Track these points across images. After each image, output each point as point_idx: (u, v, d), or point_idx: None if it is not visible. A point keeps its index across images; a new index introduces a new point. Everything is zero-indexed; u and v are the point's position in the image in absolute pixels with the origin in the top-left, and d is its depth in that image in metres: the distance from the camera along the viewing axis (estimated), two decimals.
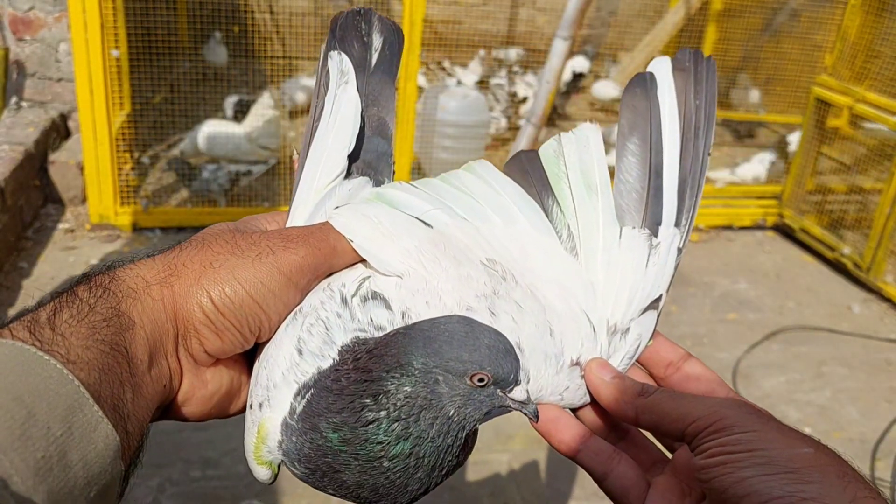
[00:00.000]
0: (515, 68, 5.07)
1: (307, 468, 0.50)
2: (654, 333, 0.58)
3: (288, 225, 0.58)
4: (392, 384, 0.47)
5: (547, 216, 0.58)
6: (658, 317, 0.57)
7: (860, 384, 2.92)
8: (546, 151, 0.61)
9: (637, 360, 0.58)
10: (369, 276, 0.54)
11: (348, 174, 0.60)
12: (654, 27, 4.75)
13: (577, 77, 4.96)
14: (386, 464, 0.47)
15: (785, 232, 4.12)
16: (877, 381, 2.96)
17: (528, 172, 0.60)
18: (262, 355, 0.53)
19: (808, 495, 0.41)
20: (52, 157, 3.58)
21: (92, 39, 3.08)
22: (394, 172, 0.63)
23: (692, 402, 0.50)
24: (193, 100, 3.99)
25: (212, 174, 3.54)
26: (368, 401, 0.47)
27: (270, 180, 3.87)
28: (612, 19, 5.54)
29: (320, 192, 0.59)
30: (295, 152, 0.64)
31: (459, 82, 4.73)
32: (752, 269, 3.76)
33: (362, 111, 0.61)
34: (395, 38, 0.64)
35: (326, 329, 0.51)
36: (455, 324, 0.48)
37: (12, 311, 2.73)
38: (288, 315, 0.53)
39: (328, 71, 0.62)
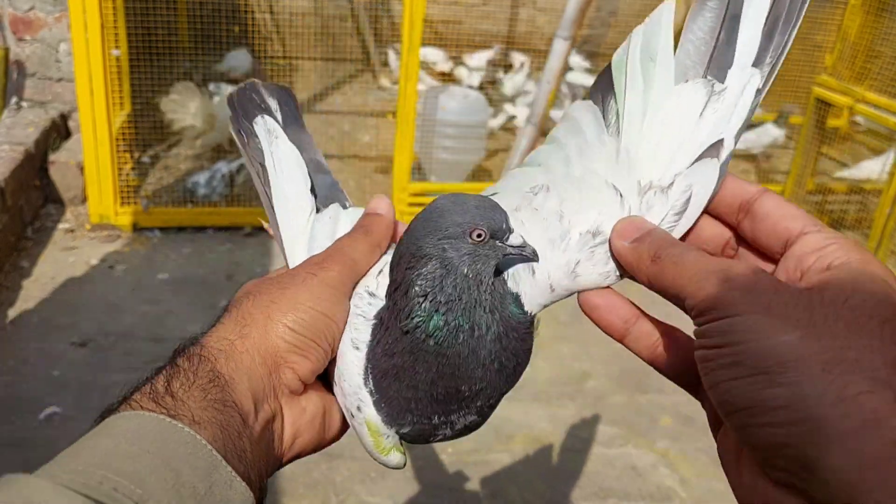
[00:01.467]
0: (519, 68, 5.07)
1: (405, 412, 0.56)
2: (721, 181, 0.52)
3: (292, 265, 0.63)
4: (414, 273, 0.53)
5: (603, 114, 0.58)
6: (723, 164, 0.52)
7: None
8: (616, 55, 0.60)
9: (708, 212, 0.53)
10: (383, 268, 0.60)
11: (317, 210, 0.67)
12: None
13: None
14: (431, 343, 0.52)
15: None
16: None
17: (598, 83, 0.60)
18: (335, 373, 0.58)
19: (777, 403, 0.34)
20: (52, 157, 3.58)
21: (92, 39, 3.08)
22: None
23: (690, 270, 0.44)
24: None
25: (207, 183, 3.54)
26: (403, 301, 0.53)
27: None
28: (612, 19, 5.54)
29: (304, 231, 0.65)
30: (263, 222, 0.71)
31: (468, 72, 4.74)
32: None
33: (300, 156, 0.69)
34: (286, 95, 0.72)
35: (365, 319, 0.57)
36: (442, 200, 0.54)
37: (12, 311, 2.74)
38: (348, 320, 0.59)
39: (255, 137, 0.68)
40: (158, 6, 3.68)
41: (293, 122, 0.71)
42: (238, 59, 4.68)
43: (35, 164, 3.46)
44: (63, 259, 3.17)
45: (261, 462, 0.51)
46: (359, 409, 0.57)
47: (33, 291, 2.91)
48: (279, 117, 0.70)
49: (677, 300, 0.45)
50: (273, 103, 0.71)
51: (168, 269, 3.18)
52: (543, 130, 3.39)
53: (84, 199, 3.52)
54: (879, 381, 0.32)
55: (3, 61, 3.69)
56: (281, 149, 0.68)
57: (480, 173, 4.04)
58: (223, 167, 3.60)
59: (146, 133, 4.00)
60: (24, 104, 3.80)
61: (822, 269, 0.40)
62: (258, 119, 0.69)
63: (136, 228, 3.44)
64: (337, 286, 0.57)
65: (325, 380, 0.60)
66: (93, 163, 3.29)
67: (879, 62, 3.62)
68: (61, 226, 3.42)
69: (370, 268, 0.61)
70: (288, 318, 0.54)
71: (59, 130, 3.78)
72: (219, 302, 2.97)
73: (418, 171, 3.87)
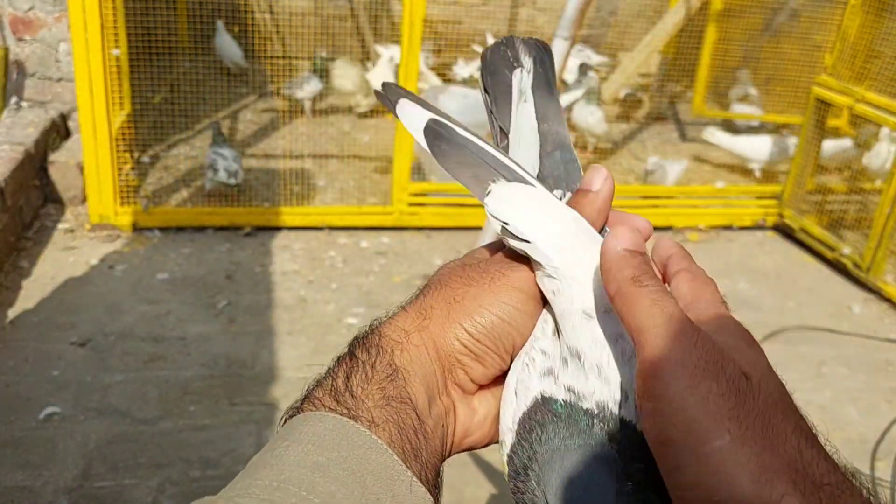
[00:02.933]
0: None
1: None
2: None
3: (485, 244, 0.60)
4: None
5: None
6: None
7: (860, 384, 2.92)
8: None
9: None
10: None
11: None
12: (654, 27, 4.75)
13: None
14: None
15: (785, 232, 4.12)
16: (877, 381, 2.96)
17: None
18: (505, 386, 0.53)
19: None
20: (52, 157, 3.58)
21: (92, 39, 3.08)
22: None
23: (658, 316, 0.41)
24: (193, 100, 3.99)
25: (227, 168, 3.53)
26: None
27: (271, 180, 3.87)
28: (612, 19, 5.54)
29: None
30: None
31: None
32: (752, 269, 3.76)
33: (537, 128, 0.61)
34: (543, 55, 0.64)
35: (530, 372, 0.51)
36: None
37: (12, 312, 2.74)
38: (536, 325, 0.54)
39: (509, 90, 0.62)
40: (158, 6, 3.68)
41: (544, 86, 0.63)
42: (225, 47, 4.69)
43: (35, 164, 3.46)
44: (63, 259, 3.17)
45: (435, 458, 0.50)
46: (501, 445, 0.52)
47: (33, 291, 2.91)
48: (531, 79, 0.62)
49: (627, 329, 0.44)
50: (527, 63, 0.63)
51: (168, 269, 3.18)
52: None
53: (84, 199, 3.52)
54: (790, 482, 0.36)
55: (3, 61, 3.69)
56: (523, 116, 0.61)
57: None
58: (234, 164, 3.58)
59: (146, 133, 4.00)
60: (24, 104, 3.80)
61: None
62: (516, 73, 0.62)
63: (136, 228, 3.44)
64: (525, 287, 0.52)
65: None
66: (93, 163, 3.29)
67: (879, 62, 3.62)
68: (61, 226, 3.42)
69: None
70: (467, 322, 0.52)
71: (59, 130, 3.78)
72: (218, 302, 2.98)
73: (418, 172, 3.87)
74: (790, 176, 4.09)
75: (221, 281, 3.14)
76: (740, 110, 5.05)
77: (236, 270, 3.23)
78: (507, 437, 0.50)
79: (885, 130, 3.96)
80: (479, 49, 5.02)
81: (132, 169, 3.63)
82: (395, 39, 4.97)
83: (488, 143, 0.56)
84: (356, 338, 0.53)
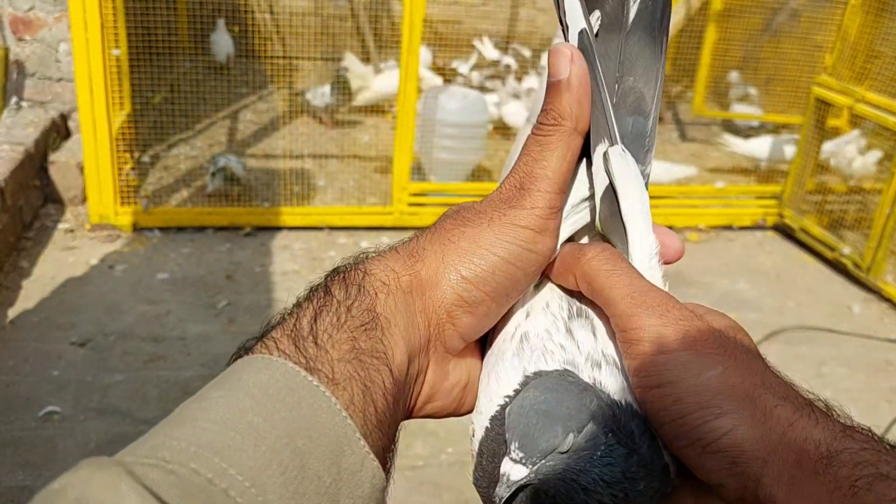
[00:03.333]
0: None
1: None
2: None
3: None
4: None
5: None
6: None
7: (860, 384, 2.92)
8: None
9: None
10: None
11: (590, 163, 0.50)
12: None
13: None
14: None
15: (785, 232, 4.12)
16: (877, 381, 2.96)
17: None
18: (486, 359, 0.49)
19: (721, 432, 0.38)
20: (52, 157, 3.58)
21: (92, 39, 3.08)
22: (651, 160, 0.51)
23: (624, 285, 0.44)
24: (193, 100, 4.00)
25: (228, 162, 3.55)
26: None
27: (271, 180, 3.87)
28: None
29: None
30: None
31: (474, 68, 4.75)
32: (752, 269, 3.76)
33: (616, 80, 0.49)
34: None
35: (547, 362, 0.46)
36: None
37: (12, 312, 2.74)
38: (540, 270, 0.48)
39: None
40: (158, 6, 3.68)
41: (646, 27, 0.49)
42: (220, 45, 4.69)
43: (35, 164, 3.46)
44: (63, 259, 3.17)
45: (393, 426, 0.43)
46: (473, 435, 0.48)
47: (33, 291, 2.91)
48: (633, 11, 0.49)
49: (604, 307, 0.45)
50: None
51: (168, 269, 3.18)
52: None
53: (84, 199, 3.52)
54: (781, 397, 0.40)
55: (3, 61, 3.69)
56: (607, 55, 0.50)
57: (480, 173, 4.04)
58: (222, 161, 3.60)
59: (146, 133, 4.00)
60: (24, 104, 3.80)
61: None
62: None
63: (136, 228, 3.44)
64: (534, 225, 0.46)
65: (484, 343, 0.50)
66: (93, 163, 3.29)
67: (879, 62, 3.62)
68: (61, 226, 3.42)
69: (572, 165, 0.47)
70: (463, 265, 0.45)
71: (59, 130, 3.78)
72: (218, 302, 2.98)
73: (418, 172, 3.87)
74: (790, 176, 4.09)
75: (221, 281, 3.14)
76: (740, 110, 5.06)
77: (236, 270, 3.23)
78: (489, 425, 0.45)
79: (854, 133, 3.98)
80: (479, 45, 5.02)
81: (132, 169, 3.63)
82: (395, 39, 4.97)
83: (608, 89, 0.48)
84: (336, 269, 0.46)
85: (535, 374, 0.45)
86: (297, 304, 0.44)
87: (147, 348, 2.66)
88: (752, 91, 5.13)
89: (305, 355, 0.39)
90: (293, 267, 3.31)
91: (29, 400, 2.36)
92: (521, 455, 0.40)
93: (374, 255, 0.47)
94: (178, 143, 4.14)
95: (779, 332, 3.19)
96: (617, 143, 0.48)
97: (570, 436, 0.40)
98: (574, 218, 0.50)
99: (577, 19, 0.48)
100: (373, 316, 0.42)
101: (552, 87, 0.47)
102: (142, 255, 3.28)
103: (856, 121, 4.08)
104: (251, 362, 0.39)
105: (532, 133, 0.48)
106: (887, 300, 3.51)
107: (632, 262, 0.47)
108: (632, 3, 0.49)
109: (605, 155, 0.47)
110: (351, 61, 4.50)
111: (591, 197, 0.50)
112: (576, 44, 0.48)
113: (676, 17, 4.57)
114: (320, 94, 4.33)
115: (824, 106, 3.84)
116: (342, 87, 4.29)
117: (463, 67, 4.93)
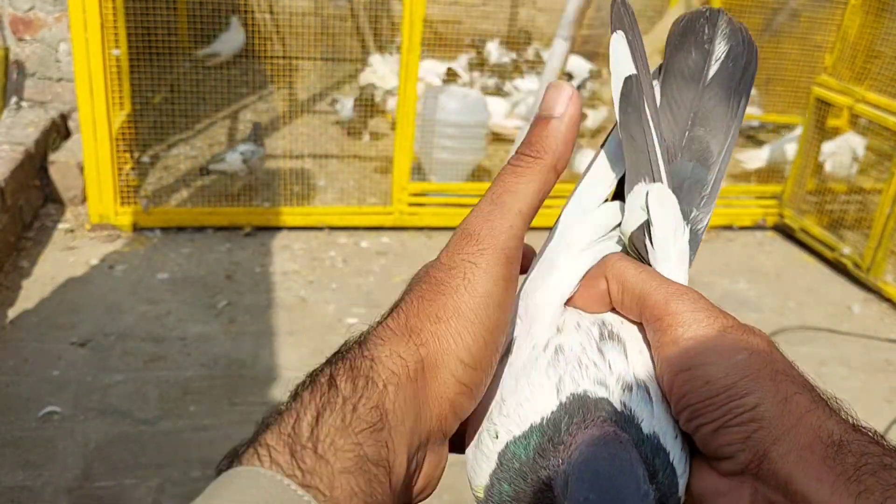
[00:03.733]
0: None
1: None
2: None
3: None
4: None
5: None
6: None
7: (860, 384, 2.92)
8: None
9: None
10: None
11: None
12: (654, 27, 4.75)
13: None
14: None
15: (785, 232, 4.12)
16: (877, 381, 2.96)
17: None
18: (508, 375, 0.47)
19: (745, 409, 0.41)
20: (52, 157, 3.58)
21: (92, 39, 3.08)
22: (710, 211, 0.52)
23: (656, 280, 0.46)
24: (193, 100, 4.00)
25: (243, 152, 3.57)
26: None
27: (271, 180, 3.88)
28: None
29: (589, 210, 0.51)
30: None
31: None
32: (752, 269, 3.76)
33: (686, 128, 0.51)
34: (743, 50, 0.52)
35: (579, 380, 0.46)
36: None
37: (12, 312, 2.74)
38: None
39: (685, 70, 0.52)
40: (158, 6, 3.67)
41: (724, 85, 0.51)
42: (230, 43, 4.69)
43: (35, 164, 3.46)
44: (63, 259, 3.17)
45: None
46: (496, 436, 0.46)
47: (33, 291, 2.91)
48: (713, 69, 0.52)
49: (638, 298, 0.46)
50: (719, 49, 0.52)
51: (168, 269, 3.18)
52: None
53: (84, 199, 3.52)
54: (801, 385, 0.43)
55: (3, 61, 3.69)
56: (680, 104, 0.52)
57: (480, 173, 4.05)
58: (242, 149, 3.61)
59: (146, 133, 4.00)
60: (24, 104, 3.80)
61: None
62: (697, 52, 0.52)
63: (136, 228, 3.44)
64: (503, 275, 0.43)
65: None
66: (93, 163, 3.29)
67: (879, 62, 3.62)
68: (61, 226, 3.42)
69: (542, 204, 0.46)
70: (460, 349, 0.42)
71: (59, 130, 3.78)
72: (218, 302, 2.98)
73: (418, 172, 3.87)
74: (790, 176, 4.09)
75: (221, 281, 3.14)
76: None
77: (236, 270, 3.23)
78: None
79: (848, 136, 3.99)
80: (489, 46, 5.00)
81: (132, 169, 3.63)
82: (394, 42, 4.97)
83: (658, 133, 0.49)
84: (339, 353, 0.42)
85: (572, 395, 0.45)
86: (297, 395, 0.39)
87: (147, 348, 2.66)
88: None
89: (302, 467, 0.35)
90: (293, 267, 3.31)
91: (29, 400, 2.36)
92: None
93: (373, 335, 0.42)
94: (178, 143, 4.14)
95: (779, 332, 3.19)
96: (662, 182, 0.49)
97: None
98: (599, 247, 0.51)
99: (624, 65, 0.49)
100: (381, 414, 0.38)
101: (541, 121, 0.46)
102: (142, 255, 3.28)
103: (855, 121, 4.08)
104: (238, 477, 0.35)
105: (510, 163, 0.46)
106: (887, 300, 3.51)
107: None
108: (713, 61, 0.52)
109: (647, 193, 0.49)
110: (377, 62, 4.45)
111: (618, 226, 0.51)
112: (620, 87, 0.49)
113: (676, 16, 4.57)
114: (346, 107, 4.32)
115: (824, 106, 3.84)
116: (366, 102, 4.24)
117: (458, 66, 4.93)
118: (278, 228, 3.58)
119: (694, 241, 0.51)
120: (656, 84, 0.52)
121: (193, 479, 2.15)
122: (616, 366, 0.46)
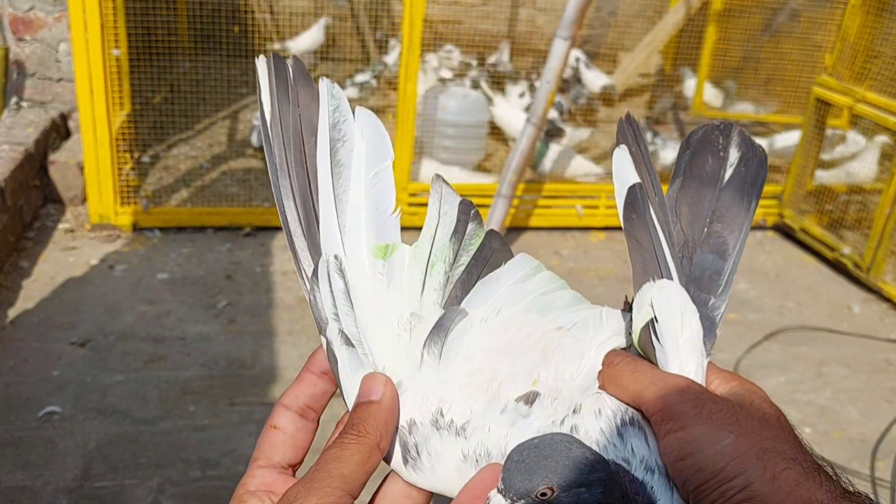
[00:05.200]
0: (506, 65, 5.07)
1: None
2: None
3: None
4: None
5: None
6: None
7: (860, 384, 2.92)
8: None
9: None
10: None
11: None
12: (654, 27, 4.75)
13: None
14: None
15: (785, 232, 4.12)
16: (877, 381, 2.96)
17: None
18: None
19: (736, 490, 0.44)
20: (52, 157, 3.58)
21: (92, 39, 3.08)
22: (726, 299, 0.57)
23: (647, 378, 0.50)
24: (193, 100, 4.00)
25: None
26: None
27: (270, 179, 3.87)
28: (612, 19, 5.54)
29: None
30: None
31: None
32: (752, 269, 3.76)
33: (705, 224, 0.58)
34: (753, 156, 0.59)
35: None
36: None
37: (12, 312, 2.74)
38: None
39: (702, 175, 0.59)
40: (158, 6, 3.68)
41: (738, 187, 0.58)
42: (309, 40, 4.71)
43: (35, 164, 3.46)
44: (63, 259, 3.17)
45: None
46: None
47: (33, 291, 2.91)
48: (728, 173, 0.59)
49: (632, 402, 0.51)
50: (733, 155, 0.59)
51: (168, 269, 3.18)
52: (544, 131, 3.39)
53: (84, 199, 3.52)
54: (791, 459, 0.45)
55: (3, 61, 3.69)
56: (699, 204, 0.58)
57: (480, 173, 4.04)
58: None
59: (146, 133, 4.00)
60: (24, 104, 3.80)
61: (724, 390, 0.52)
62: (713, 160, 0.60)
63: (136, 228, 3.44)
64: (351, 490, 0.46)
65: None
66: (93, 163, 3.29)
67: (879, 62, 3.62)
68: (61, 226, 3.42)
69: (367, 478, 0.49)
70: None
71: (59, 130, 3.78)
72: (218, 302, 2.98)
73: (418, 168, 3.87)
74: (790, 176, 4.09)
75: (221, 281, 3.14)
76: (740, 110, 5.06)
77: (236, 270, 3.23)
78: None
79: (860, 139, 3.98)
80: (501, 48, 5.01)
81: (132, 169, 3.63)
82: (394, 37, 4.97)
83: (665, 234, 0.54)
84: None
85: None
86: None
87: (147, 348, 2.66)
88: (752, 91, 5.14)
89: None
90: (293, 267, 3.30)
91: (29, 400, 2.36)
92: (501, 486, 0.45)
93: None
94: (178, 143, 4.14)
95: (779, 332, 3.19)
96: (672, 278, 0.53)
97: (542, 486, 0.45)
98: (609, 344, 0.54)
99: (627, 175, 0.55)
100: None
101: (361, 406, 0.50)
102: (142, 255, 3.28)
103: (855, 120, 4.08)
104: None
105: (335, 439, 0.49)
106: (887, 300, 3.51)
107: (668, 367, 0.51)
108: (728, 167, 0.59)
109: (652, 289, 0.52)
110: (499, 103, 4.28)
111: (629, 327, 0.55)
112: (624, 195, 0.54)
113: (676, 16, 4.58)
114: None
115: (824, 106, 3.84)
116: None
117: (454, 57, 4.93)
118: (278, 228, 3.57)
119: (711, 327, 0.54)
120: (675, 184, 0.59)
121: (193, 479, 2.15)
122: (639, 450, 0.50)
